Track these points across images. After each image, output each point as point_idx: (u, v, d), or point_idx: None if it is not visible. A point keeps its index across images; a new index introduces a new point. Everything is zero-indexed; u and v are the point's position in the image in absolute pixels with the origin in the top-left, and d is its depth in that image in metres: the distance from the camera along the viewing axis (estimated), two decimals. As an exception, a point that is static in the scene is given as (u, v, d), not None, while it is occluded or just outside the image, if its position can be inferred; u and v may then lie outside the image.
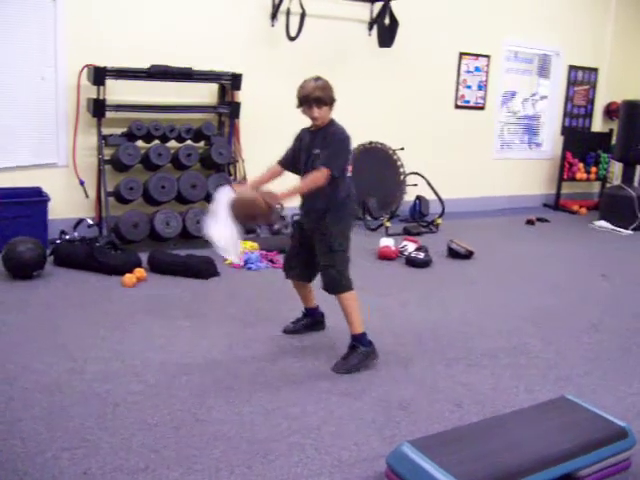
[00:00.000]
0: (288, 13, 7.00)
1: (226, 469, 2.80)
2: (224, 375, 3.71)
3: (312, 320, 4.44)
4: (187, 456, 2.87)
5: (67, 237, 5.82)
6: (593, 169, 10.06)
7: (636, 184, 9.28)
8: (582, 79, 10.09)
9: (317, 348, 4.15)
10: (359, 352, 3.91)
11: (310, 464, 2.88)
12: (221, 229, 3.66)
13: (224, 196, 3.72)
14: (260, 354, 4.04)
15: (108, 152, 6.24)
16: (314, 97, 3.73)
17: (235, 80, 6.70)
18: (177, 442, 2.98)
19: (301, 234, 4.11)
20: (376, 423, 3.28)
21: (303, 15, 6.97)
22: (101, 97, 6.01)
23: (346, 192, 3.90)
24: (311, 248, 3.99)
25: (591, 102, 10.33)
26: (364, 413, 3.38)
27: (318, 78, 3.84)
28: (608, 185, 9.98)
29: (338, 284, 3.91)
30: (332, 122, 3.87)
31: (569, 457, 2.71)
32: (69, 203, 6.29)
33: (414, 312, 5.00)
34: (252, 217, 3.78)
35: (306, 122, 3.94)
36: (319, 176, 3.70)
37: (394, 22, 7.67)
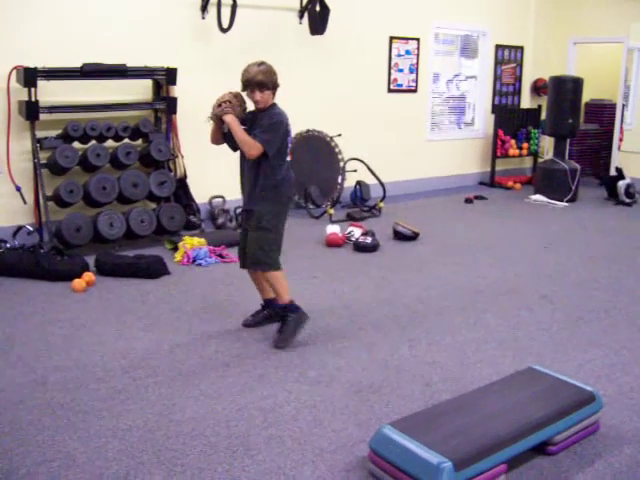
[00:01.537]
0: (219, 4, 6.90)
1: (208, 468, 2.77)
2: (190, 374, 3.67)
3: (271, 311, 4.41)
4: (167, 458, 2.83)
5: (8, 245, 5.63)
6: (525, 145, 10.31)
7: (567, 157, 9.55)
8: (509, 57, 10.30)
9: (280, 339, 4.13)
10: (290, 320, 4.07)
11: (292, 455, 2.88)
12: None
13: None
14: (223, 350, 4.00)
15: (44, 155, 6.04)
16: (256, 81, 3.87)
17: (170, 75, 6.59)
18: (154, 445, 2.93)
19: (247, 222, 4.19)
20: (350, 408, 3.30)
21: (234, 6, 6.89)
22: (33, 99, 5.81)
23: (283, 175, 4.03)
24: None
25: (519, 79, 10.55)
26: (337, 400, 3.39)
27: (262, 63, 3.95)
28: (540, 160, 10.24)
29: (259, 261, 4.04)
30: (273, 106, 4.00)
31: (545, 424, 2.80)
32: (6, 210, 6.06)
33: (369, 296, 5.03)
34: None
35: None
36: (254, 144, 3.86)
37: (325, 9, 7.66)
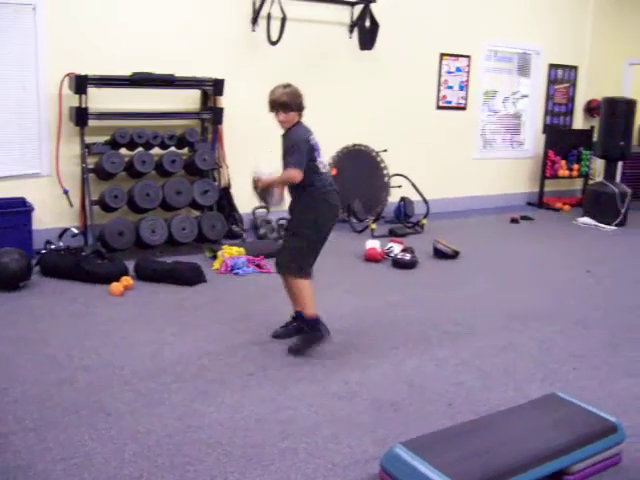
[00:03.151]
0: (269, 18, 7.00)
1: (220, 476, 2.80)
2: (215, 382, 3.71)
3: (302, 324, 4.43)
4: (181, 464, 2.87)
5: (53, 247, 5.79)
6: (575, 166, 10.13)
7: (618, 180, 9.37)
8: (562, 77, 10.16)
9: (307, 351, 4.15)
10: (305, 335, 4.15)
11: (304, 468, 2.89)
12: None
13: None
14: (250, 359, 4.03)
15: (92, 160, 6.21)
16: (280, 102, 4.02)
17: (217, 86, 6.70)
18: (170, 450, 2.98)
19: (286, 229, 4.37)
20: (368, 425, 3.29)
21: (284, 19, 6.97)
22: (83, 105, 5.99)
23: (321, 187, 4.09)
24: None
25: (571, 100, 10.40)
26: (356, 415, 3.39)
27: (287, 85, 4.10)
28: (590, 182, 10.07)
29: (284, 266, 4.14)
30: (294, 125, 4.10)
31: (562, 453, 2.74)
32: (53, 213, 6.25)
33: (402, 313, 5.01)
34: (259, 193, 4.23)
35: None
36: (291, 174, 3.98)
37: (374, 24, 7.70)
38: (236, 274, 5.84)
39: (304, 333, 4.19)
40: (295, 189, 4.12)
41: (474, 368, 4.05)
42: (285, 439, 3.12)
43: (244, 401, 3.49)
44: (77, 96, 5.96)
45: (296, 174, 3.96)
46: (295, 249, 4.12)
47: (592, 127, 10.24)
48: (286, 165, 4.02)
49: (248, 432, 3.17)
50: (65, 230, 6.09)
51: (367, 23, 7.69)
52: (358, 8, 7.72)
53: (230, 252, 6.08)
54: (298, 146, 3.99)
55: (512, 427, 2.90)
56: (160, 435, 3.10)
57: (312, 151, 4.05)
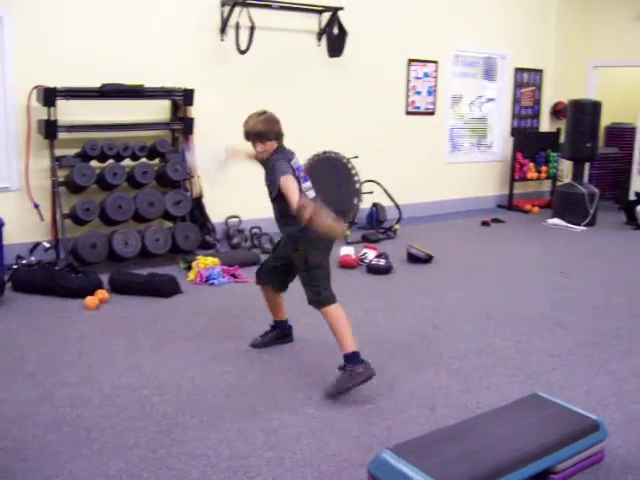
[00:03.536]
0: (237, 27, 7.00)
1: (207, 488, 2.78)
2: (197, 393, 3.68)
3: (280, 333, 4.43)
4: (167, 478, 2.84)
5: (24, 262, 5.70)
6: (543, 168, 10.28)
7: (586, 181, 9.51)
8: (528, 81, 10.31)
9: (287, 360, 4.15)
10: (347, 372, 3.68)
11: (291, 477, 2.88)
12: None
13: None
14: (231, 370, 4.01)
15: (62, 174, 6.13)
16: (255, 131, 3.74)
17: (187, 96, 6.67)
18: (155, 464, 2.94)
19: (279, 245, 4.15)
20: (353, 432, 3.29)
21: (252, 28, 6.97)
22: (52, 118, 5.92)
23: None
24: (287, 259, 4.01)
25: (538, 103, 10.56)
26: (341, 423, 3.38)
27: (262, 112, 3.83)
28: (559, 183, 10.21)
29: (317, 298, 3.85)
30: (275, 151, 3.81)
31: (546, 453, 2.77)
32: (24, 227, 6.16)
33: (380, 319, 5.03)
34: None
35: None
36: (288, 183, 3.62)
37: (343, 32, 7.73)
38: (211, 284, 5.81)
39: (343, 371, 3.69)
40: (285, 218, 3.82)
41: (454, 371, 4.07)
42: (270, 449, 3.11)
43: (226, 412, 3.47)
44: (46, 109, 5.89)
45: (289, 178, 3.62)
46: (319, 278, 3.85)
47: (559, 129, 10.39)
48: (275, 181, 3.69)
49: (233, 443, 3.15)
50: (37, 244, 6.01)
51: (335, 30, 7.73)
52: (326, 16, 7.75)
53: (205, 263, 6.04)
54: (280, 162, 3.71)
55: (497, 428, 2.92)
56: (144, 449, 3.06)
57: (293, 171, 3.75)
